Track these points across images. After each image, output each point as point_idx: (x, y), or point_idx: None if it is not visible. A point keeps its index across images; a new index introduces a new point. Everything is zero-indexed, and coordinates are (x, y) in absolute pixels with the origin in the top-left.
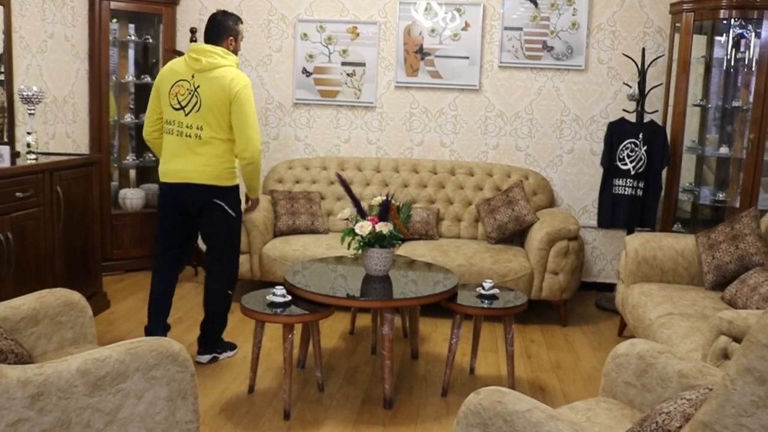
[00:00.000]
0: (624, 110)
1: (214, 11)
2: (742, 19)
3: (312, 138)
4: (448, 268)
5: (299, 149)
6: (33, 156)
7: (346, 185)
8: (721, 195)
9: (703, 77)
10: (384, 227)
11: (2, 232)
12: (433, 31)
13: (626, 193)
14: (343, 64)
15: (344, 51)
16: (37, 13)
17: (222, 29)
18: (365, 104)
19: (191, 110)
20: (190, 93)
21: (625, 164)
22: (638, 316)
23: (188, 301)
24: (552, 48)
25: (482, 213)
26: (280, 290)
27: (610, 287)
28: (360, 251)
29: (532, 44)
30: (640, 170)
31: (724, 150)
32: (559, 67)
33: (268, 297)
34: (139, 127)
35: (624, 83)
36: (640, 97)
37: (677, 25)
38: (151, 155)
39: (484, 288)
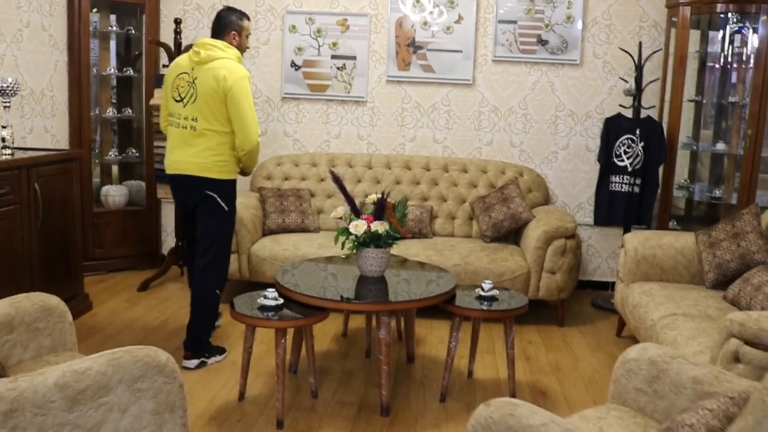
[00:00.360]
0: (621, 105)
1: (221, 7)
2: (740, 13)
3: (301, 133)
4: (443, 267)
5: (288, 145)
6: (8, 151)
7: (339, 183)
8: (717, 192)
9: (698, 72)
10: (380, 226)
11: None
12: (425, 24)
13: (623, 190)
14: (333, 57)
15: (334, 44)
16: (11, 1)
17: (224, 24)
18: (356, 99)
19: (188, 102)
20: (189, 85)
21: (622, 161)
22: (640, 316)
23: (173, 303)
24: (547, 42)
25: (477, 211)
26: (271, 293)
27: (606, 285)
28: (354, 251)
29: (527, 38)
30: (637, 167)
31: (720, 146)
32: (554, 62)
33: (259, 300)
34: (121, 122)
35: (620, 78)
36: (637, 93)
37: (673, 19)
38: (134, 150)
39: (483, 289)
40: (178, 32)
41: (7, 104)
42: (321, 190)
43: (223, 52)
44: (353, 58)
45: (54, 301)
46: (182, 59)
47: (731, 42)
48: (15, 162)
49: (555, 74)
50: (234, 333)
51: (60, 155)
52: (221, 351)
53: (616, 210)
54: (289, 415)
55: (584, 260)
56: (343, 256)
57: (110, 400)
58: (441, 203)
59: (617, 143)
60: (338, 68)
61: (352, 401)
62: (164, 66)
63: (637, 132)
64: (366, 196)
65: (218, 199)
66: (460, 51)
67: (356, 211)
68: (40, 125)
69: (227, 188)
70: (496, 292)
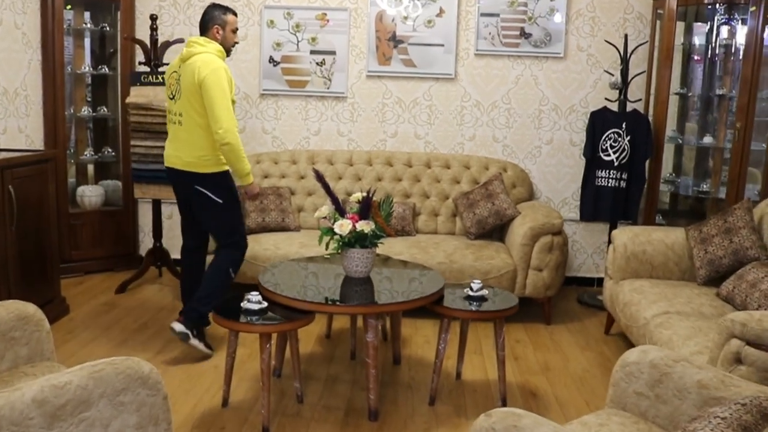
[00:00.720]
0: (606, 99)
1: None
2: (727, 4)
3: (280, 130)
4: (428, 266)
5: (267, 142)
6: None
7: (323, 181)
8: (704, 186)
9: (683, 65)
10: (365, 226)
11: None
12: (406, 17)
13: (609, 185)
14: (312, 52)
15: (313, 39)
16: None
17: (207, 19)
18: (336, 94)
19: (177, 98)
20: (176, 82)
21: (608, 155)
22: (631, 314)
23: (152, 305)
24: (530, 35)
25: (461, 207)
26: (255, 296)
27: (591, 281)
28: (339, 251)
29: (510, 31)
30: (624, 161)
31: (707, 139)
32: (538, 55)
33: (242, 304)
34: (97, 120)
35: (605, 71)
36: (623, 86)
37: (659, 11)
38: (110, 150)
39: (472, 289)
40: (154, 29)
41: None
42: (301, 188)
43: (203, 47)
44: (333, 53)
45: (30, 309)
46: (176, 58)
47: (718, 34)
48: None
49: (538, 68)
50: (215, 336)
51: (35, 156)
52: (209, 347)
53: (602, 205)
54: (275, 421)
55: (569, 256)
56: (327, 256)
57: (91, 414)
58: (424, 200)
59: (603, 137)
60: (317, 63)
61: (338, 406)
62: (140, 63)
63: (624, 126)
64: (347, 194)
65: (208, 194)
66: (442, 45)
67: (341, 210)
68: (14, 125)
69: (215, 181)
70: (485, 291)
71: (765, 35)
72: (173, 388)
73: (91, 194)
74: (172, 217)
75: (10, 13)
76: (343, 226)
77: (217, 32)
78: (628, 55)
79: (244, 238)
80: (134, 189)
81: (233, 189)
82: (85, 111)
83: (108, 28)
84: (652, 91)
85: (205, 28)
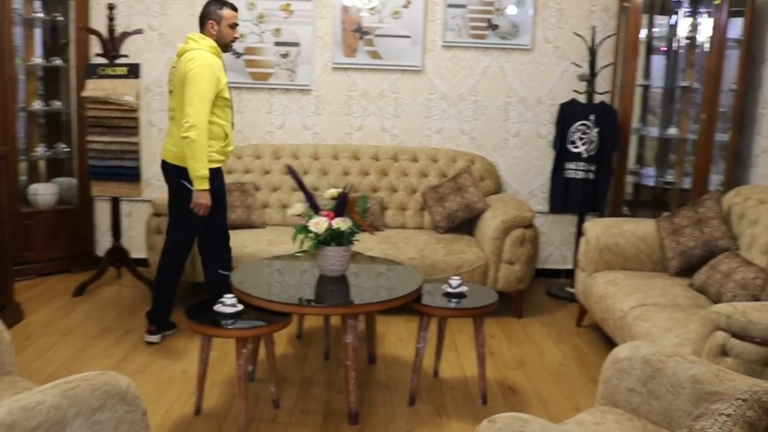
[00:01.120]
0: (574, 91)
1: None
2: None
3: (243, 124)
4: (400, 261)
5: None
6: None
7: (297, 177)
8: (669, 176)
9: (647, 57)
10: (342, 223)
11: None
12: (372, 9)
13: (578, 176)
14: (276, 44)
15: (277, 30)
16: None
17: (203, 14)
18: (300, 87)
19: (172, 94)
20: (173, 78)
21: (577, 147)
22: (607, 307)
23: (113, 308)
24: (497, 26)
25: (430, 201)
26: (229, 299)
27: (558, 273)
28: (315, 250)
29: (477, 22)
30: (592, 153)
31: (672, 131)
32: (505, 47)
33: (216, 307)
34: (49, 115)
35: (573, 63)
36: (591, 78)
37: (625, 4)
38: (64, 145)
39: (451, 285)
40: (111, 18)
41: None
42: (266, 183)
43: (196, 44)
44: (297, 44)
45: None
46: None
47: (683, 26)
48: None
49: (506, 59)
50: (181, 340)
51: None
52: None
53: (571, 197)
54: (251, 427)
55: None
56: (298, 254)
57: None
58: (391, 194)
59: (572, 129)
60: (282, 56)
61: (316, 409)
62: (97, 55)
63: (592, 118)
64: (314, 189)
65: (192, 189)
66: (409, 36)
67: (316, 208)
68: None
69: None
70: (464, 288)
71: (729, 28)
72: (142, 396)
73: (44, 192)
74: (131, 215)
75: None
76: (318, 224)
77: (212, 28)
78: (596, 47)
79: (226, 237)
80: (92, 187)
81: (221, 187)
82: (37, 105)
83: (61, 18)
84: (618, 83)
85: (201, 24)
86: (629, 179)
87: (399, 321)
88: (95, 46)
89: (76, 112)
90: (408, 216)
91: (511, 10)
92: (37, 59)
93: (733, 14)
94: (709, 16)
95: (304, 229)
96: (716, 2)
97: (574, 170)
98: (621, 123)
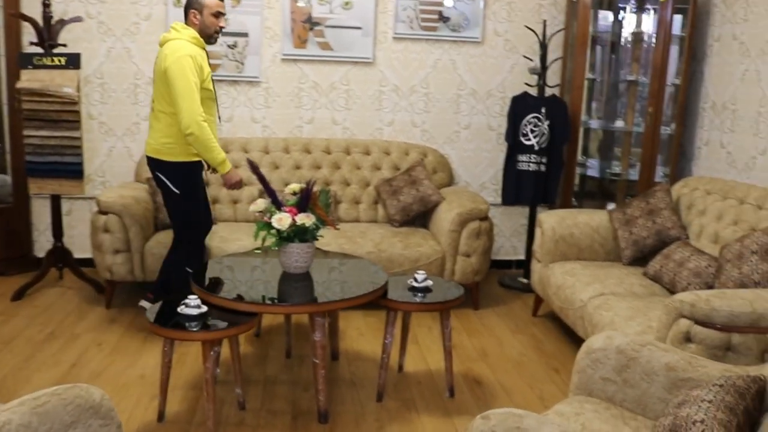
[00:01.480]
0: (526, 84)
1: None
2: None
3: None
4: (357, 256)
5: None
6: None
7: (258, 173)
8: (615, 168)
9: (595, 51)
10: (306, 219)
11: None
12: None
13: (530, 168)
14: (224, 34)
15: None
16: None
17: (187, 4)
18: (249, 79)
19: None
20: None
21: (529, 140)
22: (566, 297)
23: (58, 312)
24: (448, 19)
25: (384, 194)
26: (193, 300)
27: (509, 264)
28: (277, 247)
29: (428, 14)
30: (544, 145)
31: (618, 123)
32: (456, 39)
33: (180, 309)
34: None
35: (524, 56)
36: (542, 71)
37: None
38: None
39: (417, 280)
40: (47, 5)
41: None
42: (215, 179)
43: (177, 33)
44: (245, 35)
45: None
46: None
47: (630, 21)
48: None
49: (457, 52)
50: (134, 342)
51: None
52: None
53: (524, 189)
54: (218, 431)
55: None
56: (258, 252)
57: None
58: (344, 187)
59: (524, 122)
60: (229, 46)
61: (284, 409)
62: (32, 44)
63: (543, 110)
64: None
65: (167, 182)
66: (360, 28)
67: (278, 204)
68: None
69: (175, 170)
70: (429, 282)
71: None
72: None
73: None
74: (71, 213)
75: None
76: (282, 221)
77: (195, 17)
78: (547, 40)
79: (196, 236)
80: (30, 184)
81: (196, 183)
82: None
83: None
84: (567, 76)
85: (185, 13)
86: (578, 171)
87: (358, 316)
88: (28, 34)
89: (8, 104)
90: (362, 210)
91: (475, 2)
92: None
93: (676, 11)
94: (655, 12)
95: (267, 226)
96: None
97: (527, 162)
98: (571, 116)
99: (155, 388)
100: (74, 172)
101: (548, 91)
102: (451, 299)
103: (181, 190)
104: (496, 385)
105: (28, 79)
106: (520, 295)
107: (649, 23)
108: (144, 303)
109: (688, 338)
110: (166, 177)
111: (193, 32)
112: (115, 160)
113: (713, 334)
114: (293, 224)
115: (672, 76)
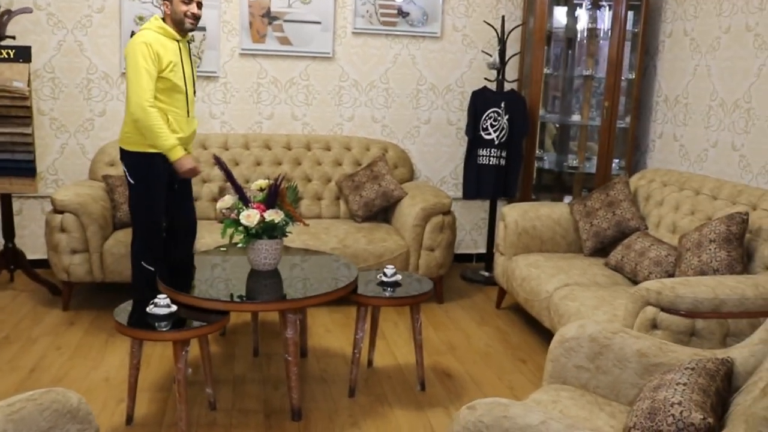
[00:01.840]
0: (486, 79)
1: None
2: None
3: None
4: (323, 252)
5: None
6: None
7: (226, 169)
8: (573, 161)
9: (552, 46)
10: (275, 215)
11: None
12: None
13: (491, 163)
14: None
15: None
16: None
17: None
18: (207, 74)
19: None
20: None
21: (489, 134)
22: (532, 289)
23: (11, 315)
24: (407, 14)
25: (346, 190)
26: (163, 299)
27: (470, 258)
28: (245, 244)
29: (387, 9)
30: (503, 139)
31: (575, 117)
32: (415, 34)
33: (149, 308)
34: None
35: (482, 51)
36: (501, 66)
37: None
38: None
39: (386, 275)
40: None
41: None
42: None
43: (147, 24)
44: (202, 29)
45: None
46: None
47: (585, 18)
48: None
49: (416, 47)
50: (96, 343)
51: None
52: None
53: (484, 183)
54: None
55: None
56: (223, 249)
57: None
58: (306, 183)
59: (484, 117)
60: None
61: (255, 408)
62: None
63: (502, 105)
64: (224, 181)
65: (125, 171)
66: (319, 22)
67: (245, 200)
68: None
69: (133, 160)
70: (399, 277)
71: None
72: None
73: None
74: (21, 212)
75: None
76: (250, 217)
77: (166, 7)
78: (505, 36)
79: (150, 229)
80: None
81: (150, 175)
82: None
83: None
84: (525, 71)
85: (161, 3)
86: (536, 164)
87: (323, 312)
88: None
89: None
90: (324, 205)
91: None
92: None
93: (629, 8)
94: (610, 9)
95: (235, 223)
96: None
97: (487, 156)
98: (529, 110)
99: (121, 390)
100: (26, 170)
101: (507, 86)
102: (421, 293)
103: (136, 182)
104: (466, 377)
105: None
106: (483, 288)
107: (603, 19)
108: None
109: (654, 325)
110: (125, 166)
111: (160, 23)
112: (67, 158)
113: (678, 321)
114: (262, 221)
115: (626, 71)
